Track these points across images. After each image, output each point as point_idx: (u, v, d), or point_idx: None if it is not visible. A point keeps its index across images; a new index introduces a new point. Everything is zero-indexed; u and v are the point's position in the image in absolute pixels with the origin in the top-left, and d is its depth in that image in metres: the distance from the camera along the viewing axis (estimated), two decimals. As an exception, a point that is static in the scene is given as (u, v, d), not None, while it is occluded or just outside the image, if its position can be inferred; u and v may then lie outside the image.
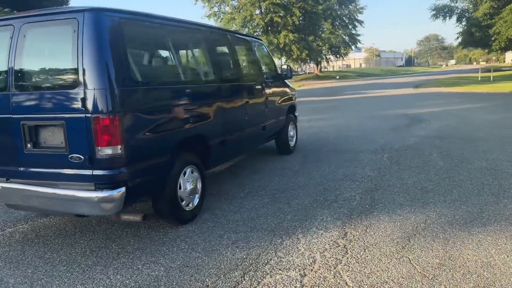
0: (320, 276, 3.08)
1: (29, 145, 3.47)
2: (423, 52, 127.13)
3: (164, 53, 4.28)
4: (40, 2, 18.47)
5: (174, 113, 3.96)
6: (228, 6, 39.67)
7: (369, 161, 6.64)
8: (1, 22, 3.63)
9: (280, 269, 3.21)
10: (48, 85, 3.47)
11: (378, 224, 4.03)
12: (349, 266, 3.21)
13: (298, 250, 3.54)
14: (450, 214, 4.20)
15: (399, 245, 3.54)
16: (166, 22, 4.07)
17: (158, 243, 3.81)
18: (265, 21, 38.26)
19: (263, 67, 6.65)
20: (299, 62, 43.51)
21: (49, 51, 3.67)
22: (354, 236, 3.78)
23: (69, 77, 3.32)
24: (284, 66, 7.10)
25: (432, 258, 3.27)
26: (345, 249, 3.51)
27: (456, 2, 37.92)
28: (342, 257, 3.37)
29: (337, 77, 51.03)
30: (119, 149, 3.27)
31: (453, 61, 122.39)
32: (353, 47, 59.17)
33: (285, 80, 7.39)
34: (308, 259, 3.37)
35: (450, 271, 3.07)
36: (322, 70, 60.47)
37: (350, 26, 55.18)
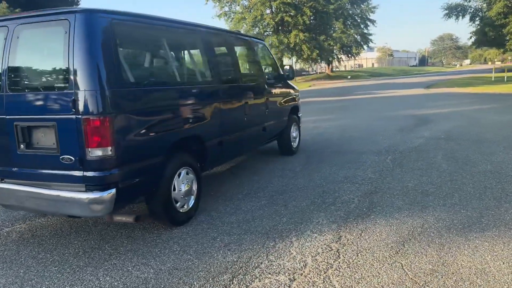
0: (309, 281, 3.04)
1: (22, 146, 3.50)
2: (437, 51, 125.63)
3: (157, 54, 4.26)
4: (50, 2, 18.63)
5: (167, 114, 3.95)
6: (238, 5, 39.68)
7: (371, 163, 6.56)
8: None
9: (269, 273, 3.18)
10: (40, 86, 3.49)
11: (374, 227, 3.97)
12: (340, 271, 3.16)
13: (290, 253, 3.50)
14: (449, 218, 4.12)
15: (393, 249, 3.48)
16: (159, 23, 4.05)
17: (151, 244, 3.80)
18: (276, 20, 38.15)
19: (264, 68, 6.61)
20: (310, 61, 43.27)
21: (41, 52, 3.68)
22: (348, 240, 3.72)
23: (61, 78, 3.33)
24: (287, 67, 7.05)
25: (425, 264, 3.21)
26: (337, 253, 3.46)
27: (469, 1, 37.44)
28: (334, 262, 3.32)
29: (349, 77, 50.73)
30: (109, 151, 3.27)
31: (467, 61, 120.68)
32: (365, 46, 58.84)
33: (288, 81, 7.33)
34: (299, 263, 3.32)
35: (442, 277, 3.00)
36: (334, 70, 60.16)
37: (362, 26, 54.89)
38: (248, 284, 3.03)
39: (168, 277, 3.18)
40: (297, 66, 53.14)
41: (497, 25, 32.53)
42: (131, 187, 3.55)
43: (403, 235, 3.76)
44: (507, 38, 32.49)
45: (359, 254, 3.43)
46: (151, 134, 3.70)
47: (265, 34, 40.34)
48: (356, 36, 55.20)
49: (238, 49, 5.85)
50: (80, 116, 3.21)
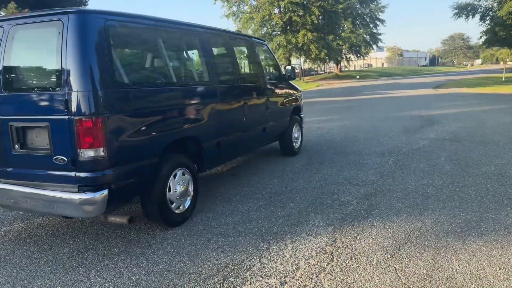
0: (300, 285, 3.00)
1: (16, 146, 3.51)
2: (448, 51, 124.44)
3: (152, 55, 4.24)
4: (58, 2, 18.77)
5: (162, 115, 3.92)
6: (247, 5, 39.65)
7: (373, 165, 6.49)
8: None
9: (261, 276, 3.15)
10: (34, 86, 3.50)
11: (370, 230, 3.92)
12: (332, 275, 3.12)
13: (283, 256, 3.46)
14: (447, 221, 4.05)
15: (387, 253, 3.43)
16: (154, 23, 4.03)
17: (145, 245, 3.79)
18: (284, 20, 38.05)
19: (265, 68, 6.57)
20: (318, 61, 43.10)
21: (36, 53, 3.69)
22: (343, 243, 3.68)
23: (54, 79, 3.33)
24: (288, 67, 7.00)
25: (420, 269, 3.15)
26: (331, 257, 3.42)
27: (480, 0, 36.95)
28: (327, 265, 3.28)
29: (357, 76, 50.46)
30: (101, 152, 3.26)
31: (479, 61, 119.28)
32: (374, 46, 58.42)
33: (290, 81, 7.29)
34: (292, 266, 3.29)
35: (435, 283, 2.94)
36: (342, 69, 59.89)
37: (371, 25, 54.52)
38: (238, 287, 3.01)
39: (159, 279, 3.17)
40: (305, 66, 53.03)
41: (508, 24, 32.05)
42: (124, 188, 3.54)
43: (399, 239, 3.71)
44: (518, 37, 32.02)
45: (353, 258, 3.38)
46: (144, 135, 3.69)
47: (273, 33, 40.27)
48: (365, 36, 54.84)
49: (237, 49, 5.82)
50: (72, 117, 3.21)
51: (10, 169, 3.60)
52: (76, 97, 3.20)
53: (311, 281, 3.05)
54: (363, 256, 3.40)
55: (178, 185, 4.14)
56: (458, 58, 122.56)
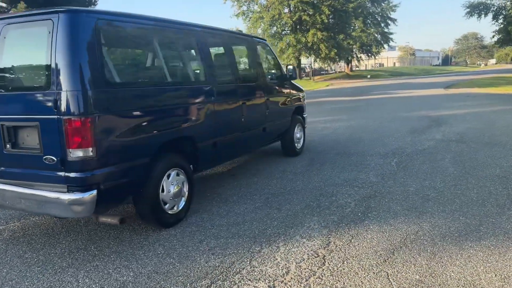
0: (288, 289, 2.94)
1: (8, 146, 3.50)
2: (461, 51, 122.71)
3: (145, 54, 4.22)
4: (67, 2, 18.89)
5: (154, 115, 3.88)
6: (256, 4, 39.55)
7: (375, 166, 6.39)
8: None
9: (249, 280, 3.10)
10: (26, 86, 3.50)
11: (365, 234, 3.84)
12: (322, 279, 3.06)
13: (275, 259, 3.41)
14: (445, 225, 3.95)
15: (381, 258, 3.35)
16: (147, 22, 4.00)
17: (136, 246, 3.76)
18: (294, 19, 37.88)
19: (265, 68, 6.51)
20: (328, 61, 42.83)
21: (27, 52, 3.68)
22: (337, 246, 3.61)
23: (44, 79, 3.32)
24: (290, 67, 6.92)
25: (412, 274, 3.07)
26: (323, 260, 3.35)
27: (492, -1, 36.33)
28: (318, 269, 3.21)
29: (368, 76, 50.05)
30: (90, 152, 3.24)
31: (493, 61, 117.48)
32: (385, 45, 57.97)
33: (292, 81, 7.21)
34: (282, 269, 3.23)
35: (427, 289, 2.86)
36: (353, 69, 59.49)
37: (382, 24, 54.08)
38: (226, 291, 2.96)
39: (147, 281, 3.13)
40: (315, 66, 52.77)
41: (521, 23, 31.52)
42: (115, 189, 3.52)
43: (394, 243, 3.62)
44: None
45: (345, 262, 3.31)
46: (136, 135, 3.65)
47: (283, 33, 40.12)
48: (376, 35, 54.44)
49: (236, 49, 5.76)
50: (61, 117, 3.19)
51: (2, 168, 3.60)
52: (65, 97, 3.18)
53: (300, 285, 2.99)
54: (356, 260, 3.32)
55: (172, 185, 4.11)
56: (471, 57, 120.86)
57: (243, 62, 6.20)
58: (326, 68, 58.00)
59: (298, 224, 4.14)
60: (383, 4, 52.77)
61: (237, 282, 3.07)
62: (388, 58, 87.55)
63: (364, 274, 3.11)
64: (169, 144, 4.10)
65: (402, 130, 9.82)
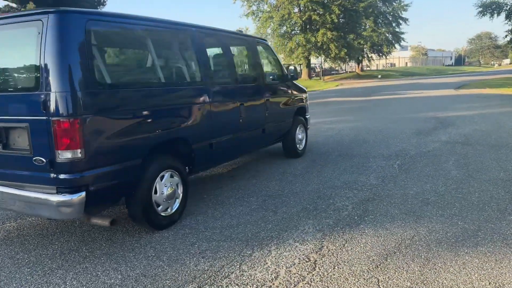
0: (275, 295, 2.89)
1: (0, 147, 3.50)
2: (475, 50, 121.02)
3: (137, 55, 4.19)
4: (76, 3, 19.05)
5: (146, 117, 3.84)
6: (266, 4, 39.47)
7: (377, 168, 6.30)
8: None
9: (237, 284, 3.05)
10: (16, 87, 3.50)
11: (360, 238, 3.76)
12: (311, 285, 3.00)
13: (265, 263, 3.35)
14: (443, 230, 3.86)
15: (373, 263, 3.28)
16: (139, 23, 3.96)
17: (127, 248, 3.74)
18: (303, 19, 37.74)
19: (265, 68, 6.45)
20: (338, 60, 42.58)
21: (17, 53, 3.68)
22: (329, 250, 3.54)
23: (34, 80, 3.31)
24: (291, 67, 6.85)
25: (404, 281, 2.99)
26: (313, 265, 3.29)
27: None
28: (308, 274, 3.15)
29: (379, 76, 49.64)
30: (79, 153, 3.22)
31: (507, 61, 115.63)
32: (396, 45, 57.41)
33: (294, 82, 7.14)
34: (271, 274, 3.18)
35: (417, 297, 2.79)
36: (364, 69, 59.08)
37: (393, 24, 53.61)
38: (212, 295, 2.92)
39: (134, 284, 3.10)
40: (326, 65, 52.51)
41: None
42: (105, 190, 3.49)
43: (388, 248, 3.54)
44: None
45: (336, 267, 3.24)
46: (126, 137, 3.63)
47: (292, 33, 39.98)
48: (387, 35, 53.96)
49: (234, 49, 5.72)
50: (50, 118, 3.18)
51: (-5, 169, 3.60)
52: (54, 98, 3.17)
53: (287, 291, 2.93)
54: (347, 266, 3.26)
55: (165, 187, 4.07)
56: (485, 57, 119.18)
57: (241, 63, 6.15)
58: (336, 68, 57.69)
59: (292, 228, 4.08)
60: (394, 4, 52.30)
61: (224, 286, 3.02)
62: (399, 58, 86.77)
63: (354, 280, 3.04)
64: (162, 146, 4.07)
65: (408, 131, 9.69)
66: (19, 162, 3.44)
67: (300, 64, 41.74)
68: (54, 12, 3.23)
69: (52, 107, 3.17)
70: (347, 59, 43.26)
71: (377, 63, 69.49)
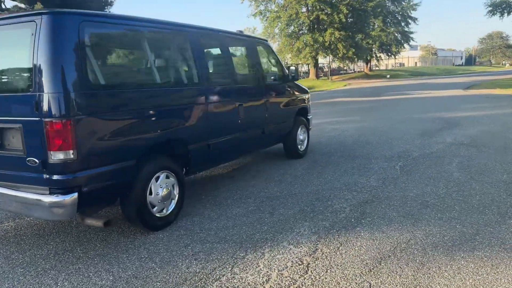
0: (265, 298, 2.86)
1: (-6, 147, 3.52)
2: (485, 50, 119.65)
3: (132, 56, 4.18)
4: (84, 3, 19.17)
5: (140, 118, 3.82)
6: (274, 4, 39.39)
7: (378, 169, 6.23)
8: None
9: (227, 287, 3.02)
10: (10, 88, 3.51)
11: (355, 241, 3.72)
12: (302, 289, 2.96)
13: (257, 266, 3.33)
14: (440, 234, 3.80)
15: (367, 267, 3.23)
16: (134, 23, 3.95)
17: (121, 249, 3.74)
18: (311, 19, 37.60)
19: (265, 69, 6.41)
20: (345, 60, 42.35)
21: (12, 54, 3.69)
22: (323, 253, 3.50)
23: (27, 81, 3.32)
24: (292, 68, 6.80)
25: (396, 286, 2.95)
26: (306, 268, 3.25)
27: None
28: (299, 277, 3.12)
29: (388, 76, 49.29)
30: (71, 154, 3.22)
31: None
32: (405, 45, 57.01)
33: (295, 82, 7.10)
34: (263, 277, 3.15)
35: (408, 302, 2.74)
36: (373, 68, 58.73)
37: (402, 24, 53.23)
38: (202, 298, 2.90)
39: (124, 286, 3.09)
40: (334, 65, 52.28)
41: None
42: (98, 191, 3.49)
43: (383, 251, 3.50)
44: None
45: (328, 270, 3.21)
46: (120, 138, 3.62)
47: (300, 32, 39.86)
48: (396, 34, 53.59)
49: (233, 50, 5.69)
50: (42, 119, 3.18)
51: (-10, 169, 3.62)
52: (46, 99, 3.17)
53: (277, 294, 2.90)
54: (340, 269, 3.22)
55: (161, 188, 4.07)
56: (496, 57, 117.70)
57: (240, 63, 6.11)
58: (345, 68, 57.42)
59: (288, 230, 4.05)
60: (403, 3, 51.95)
61: (214, 289, 3.01)
62: (409, 57, 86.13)
63: (346, 284, 3.00)
64: (157, 147, 4.06)
65: (413, 132, 9.59)
66: (13, 162, 3.45)
67: (308, 64, 41.69)
68: (48, 13, 3.23)
69: (45, 108, 3.18)
70: (355, 59, 42.97)
71: (386, 63, 69.00)
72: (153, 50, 4.25)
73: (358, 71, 59.64)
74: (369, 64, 54.94)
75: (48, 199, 3.23)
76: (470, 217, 4.18)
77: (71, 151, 3.22)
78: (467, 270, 3.13)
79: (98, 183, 3.47)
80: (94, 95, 3.42)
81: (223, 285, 3.06)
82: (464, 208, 4.44)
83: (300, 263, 3.35)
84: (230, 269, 3.30)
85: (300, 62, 40.65)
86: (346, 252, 3.52)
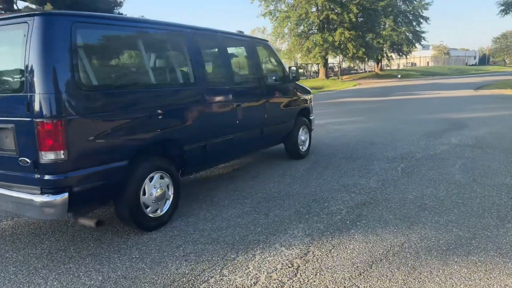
0: (251, 301, 2.84)
1: (-10, 147, 3.55)
2: (500, 50, 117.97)
3: (125, 56, 4.19)
4: (94, 4, 19.32)
5: (132, 118, 3.82)
6: (284, 4, 39.31)
7: (379, 171, 6.17)
8: None
9: (215, 289, 3.01)
10: (3, 88, 3.53)
11: (348, 244, 3.68)
12: (289, 292, 2.94)
13: (247, 268, 3.31)
14: (435, 237, 3.74)
15: (357, 271, 3.19)
16: (127, 24, 3.96)
17: (114, 249, 3.74)
18: (321, 18, 37.46)
19: (265, 69, 6.38)
20: (355, 60, 42.09)
21: (5, 55, 3.72)
22: (314, 256, 3.47)
23: (19, 81, 3.34)
24: (293, 68, 6.76)
25: (385, 290, 2.91)
26: (295, 271, 3.23)
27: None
28: (288, 280, 3.09)
29: (399, 76, 48.87)
30: (62, 154, 3.23)
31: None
32: (417, 44, 56.47)
33: (297, 82, 7.05)
34: (251, 279, 3.13)
35: (395, 307, 2.70)
36: (384, 68, 58.28)
37: (414, 23, 52.74)
38: (188, 300, 2.89)
39: (113, 286, 3.10)
40: (344, 65, 52.02)
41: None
42: (89, 191, 3.50)
43: (375, 255, 3.45)
44: None
45: (318, 274, 3.17)
46: (111, 139, 3.62)
47: (310, 32, 39.72)
48: (407, 34, 53.11)
49: (232, 50, 5.67)
50: (34, 119, 3.20)
51: (-15, 169, 3.65)
52: (38, 100, 3.19)
53: (264, 297, 2.88)
54: (329, 272, 3.18)
55: (155, 188, 4.07)
56: (510, 57, 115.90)
57: (238, 63, 6.09)
58: (355, 68, 57.09)
59: (281, 231, 4.02)
60: (415, 2, 51.49)
61: (201, 291, 2.99)
62: (421, 57, 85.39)
63: (334, 287, 2.96)
64: (151, 147, 4.06)
65: (418, 133, 9.48)
66: (7, 162, 3.48)
67: (318, 64, 41.53)
68: (40, 14, 3.25)
69: (36, 108, 3.19)
70: (366, 59, 42.67)
71: (398, 62, 68.46)
72: (147, 50, 4.24)
73: (369, 71, 59.23)
74: (380, 63, 54.52)
75: (39, 198, 3.25)
76: (468, 221, 4.10)
77: (62, 152, 3.23)
78: (459, 275, 3.07)
79: (90, 184, 3.48)
80: (86, 95, 3.43)
81: (210, 287, 3.05)
82: (463, 211, 4.36)
83: (290, 265, 3.32)
84: (219, 270, 3.28)
85: (309, 62, 40.52)
86: (338, 255, 3.48)
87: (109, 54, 4.03)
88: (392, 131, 9.89)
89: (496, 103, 15.97)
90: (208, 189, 5.52)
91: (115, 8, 24.33)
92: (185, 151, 4.47)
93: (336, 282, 3.04)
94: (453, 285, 2.94)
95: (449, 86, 28.92)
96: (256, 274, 3.21)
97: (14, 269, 3.45)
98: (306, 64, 43.44)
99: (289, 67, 6.74)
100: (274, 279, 3.11)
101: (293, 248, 3.63)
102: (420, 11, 51.89)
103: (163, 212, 4.20)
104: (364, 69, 61.78)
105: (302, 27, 39.27)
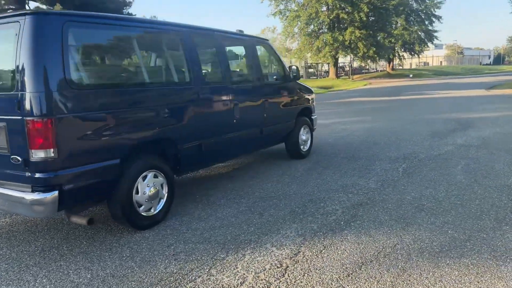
0: (236, 301, 2.82)
1: (-17, 145, 3.59)
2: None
3: (117, 55, 4.19)
4: (103, 4, 19.49)
5: (124, 117, 3.82)
6: (294, 3, 39.21)
7: (379, 171, 6.10)
8: None
9: (201, 288, 3.00)
10: (-4, 87, 3.57)
11: (339, 244, 3.64)
12: (275, 292, 2.91)
13: (235, 268, 3.29)
14: (429, 239, 3.68)
15: (345, 272, 3.16)
16: (120, 23, 3.97)
17: (105, 248, 3.76)
18: (331, 18, 37.26)
19: (264, 68, 6.36)
20: (366, 59, 41.76)
21: (-1, 54, 3.76)
22: (304, 256, 3.44)
23: (11, 80, 3.37)
24: (294, 67, 6.72)
25: (372, 292, 2.87)
26: (284, 271, 3.20)
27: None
28: (275, 281, 3.07)
29: (410, 75, 48.35)
30: (52, 152, 3.25)
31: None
32: (429, 44, 55.83)
33: (299, 82, 7.01)
34: (238, 279, 3.11)
35: (380, 310, 2.66)
36: (395, 67, 57.76)
37: (426, 22, 52.16)
38: (173, 299, 2.88)
39: (100, 284, 3.11)
40: (355, 64, 51.67)
41: None
42: (80, 190, 3.52)
43: (366, 256, 3.41)
44: None
45: (306, 274, 3.15)
46: (102, 137, 3.63)
47: (320, 31, 39.54)
48: (419, 33, 52.55)
49: (229, 49, 5.65)
50: (24, 118, 3.23)
51: (-22, 167, 3.69)
52: (28, 98, 3.21)
53: (249, 297, 2.86)
54: (318, 273, 3.15)
55: (148, 187, 4.07)
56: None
57: (237, 62, 6.07)
58: (366, 67, 56.67)
59: (274, 231, 4.00)
60: (427, 1, 50.90)
61: (187, 290, 2.99)
62: (433, 56, 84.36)
63: (321, 289, 2.93)
64: (144, 146, 4.07)
65: (424, 133, 9.37)
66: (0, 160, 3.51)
67: (328, 63, 41.33)
68: (31, 13, 3.28)
69: (27, 107, 3.22)
70: (376, 58, 42.31)
71: (410, 62, 67.80)
72: (140, 49, 4.25)
73: (381, 70, 58.73)
74: (391, 63, 54.04)
75: (29, 196, 3.27)
76: (464, 222, 4.04)
77: (52, 150, 3.25)
78: (449, 278, 3.02)
79: (80, 182, 3.49)
80: (77, 94, 3.45)
81: (197, 286, 3.04)
82: (461, 213, 4.29)
83: (279, 265, 3.30)
84: (207, 270, 3.27)
85: (320, 61, 40.34)
86: (328, 255, 3.44)
87: (101, 53, 4.05)
88: (397, 131, 9.79)
89: (507, 103, 15.70)
90: (206, 188, 5.52)
91: (124, 8, 24.52)
92: (180, 150, 4.47)
93: (323, 283, 3.01)
94: (441, 288, 2.89)
95: (461, 85, 28.54)
96: (244, 274, 3.19)
97: (6, 266, 3.48)
98: (317, 63, 43.25)
99: (289, 66, 6.70)
100: (261, 279, 3.09)
101: (283, 248, 3.60)
102: (432, 10, 51.29)
103: (157, 211, 4.21)
104: (376, 69, 61.29)
105: (312, 27, 39.10)
